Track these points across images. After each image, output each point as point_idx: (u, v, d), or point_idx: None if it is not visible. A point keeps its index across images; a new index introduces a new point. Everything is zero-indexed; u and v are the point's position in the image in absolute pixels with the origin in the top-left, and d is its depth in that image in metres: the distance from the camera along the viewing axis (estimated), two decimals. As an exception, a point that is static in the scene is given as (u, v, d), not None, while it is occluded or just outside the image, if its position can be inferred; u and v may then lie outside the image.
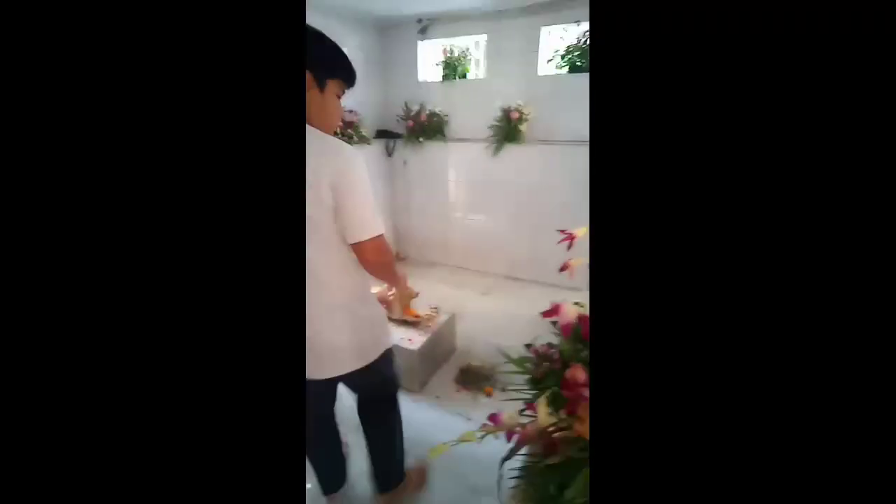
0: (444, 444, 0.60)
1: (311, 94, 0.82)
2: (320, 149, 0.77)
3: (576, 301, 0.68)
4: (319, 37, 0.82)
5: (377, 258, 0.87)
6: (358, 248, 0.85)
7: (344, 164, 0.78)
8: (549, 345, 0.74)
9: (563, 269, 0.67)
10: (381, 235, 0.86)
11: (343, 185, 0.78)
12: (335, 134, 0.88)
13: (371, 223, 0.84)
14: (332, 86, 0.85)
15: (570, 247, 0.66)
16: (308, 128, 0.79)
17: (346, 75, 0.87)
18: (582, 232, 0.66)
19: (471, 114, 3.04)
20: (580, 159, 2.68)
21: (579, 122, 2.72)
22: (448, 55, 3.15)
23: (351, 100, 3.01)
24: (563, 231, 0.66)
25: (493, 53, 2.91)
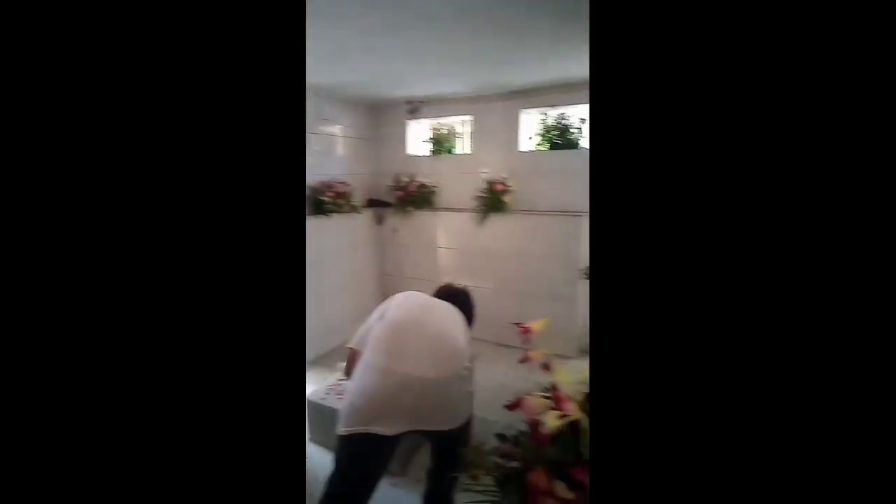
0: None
1: None
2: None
3: (548, 388, 0.65)
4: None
5: None
6: None
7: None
8: (516, 440, 0.71)
9: (523, 360, 0.67)
10: None
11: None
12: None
13: None
14: None
15: (526, 340, 0.66)
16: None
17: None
18: (539, 325, 0.67)
19: (458, 186, 3.19)
20: (561, 228, 2.76)
21: (559, 193, 2.85)
22: (436, 132, 3.38)
23: (343, 171, 3.15)
24: (519, 325, 0.67)
25: (477, 132, 3.13)
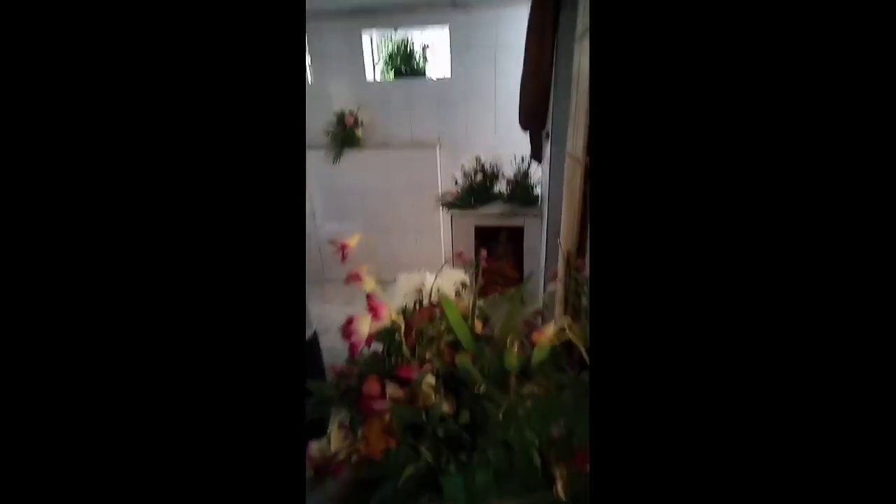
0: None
1: None
2: None
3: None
4: None
5: None
6: None
7: None
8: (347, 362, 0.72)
9: (348, 280, 0.66)
10: None
11: None
12: None
13: None
14: None
15: (343, 258, 0.64)
16: None
17: None
18: (353, 241, 0.65)
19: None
20: (417, 161, 2.78)
21: (411, 125, 2.82)
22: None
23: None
24: (333, 242, 0.65)
25: (317, 57, 2.81)
